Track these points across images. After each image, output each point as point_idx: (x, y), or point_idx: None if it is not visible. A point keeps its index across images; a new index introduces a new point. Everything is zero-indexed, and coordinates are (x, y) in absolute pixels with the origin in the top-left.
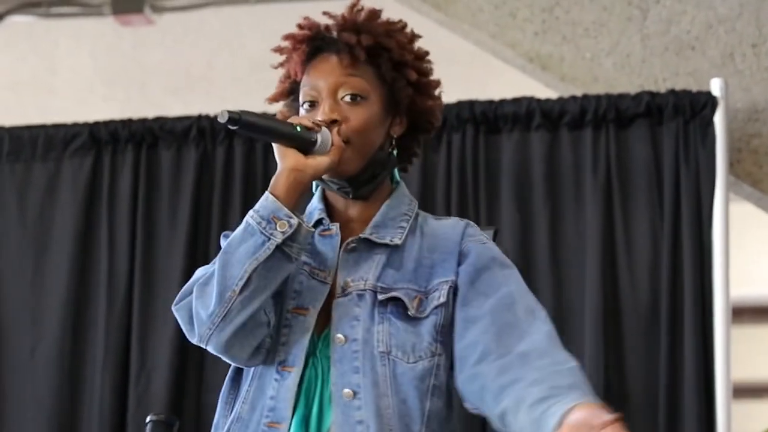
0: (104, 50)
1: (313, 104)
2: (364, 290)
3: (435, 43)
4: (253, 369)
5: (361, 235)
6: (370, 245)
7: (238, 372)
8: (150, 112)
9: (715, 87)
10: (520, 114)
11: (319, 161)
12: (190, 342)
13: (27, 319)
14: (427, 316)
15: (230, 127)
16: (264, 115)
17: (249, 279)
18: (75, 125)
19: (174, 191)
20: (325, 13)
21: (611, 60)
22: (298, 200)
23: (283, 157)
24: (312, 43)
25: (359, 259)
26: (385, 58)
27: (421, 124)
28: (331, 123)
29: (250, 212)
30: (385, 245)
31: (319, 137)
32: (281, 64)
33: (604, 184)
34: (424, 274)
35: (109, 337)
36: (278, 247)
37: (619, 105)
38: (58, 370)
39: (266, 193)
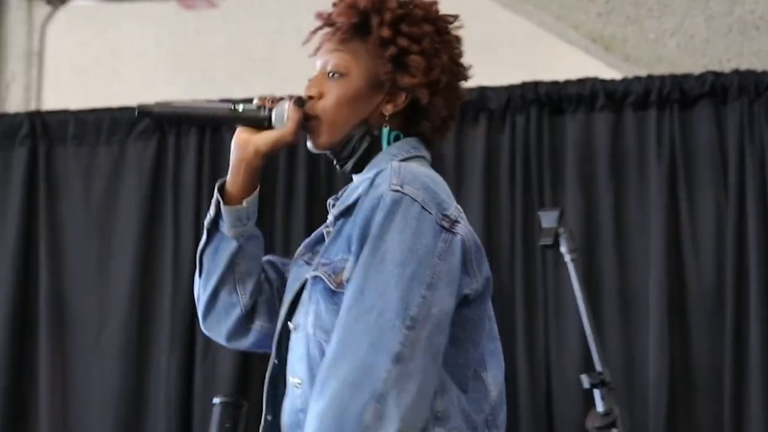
0: (167, 33)
1: None
2: (316, 270)
3: (498, 24)
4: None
5: (333, 213)
6: (335, 221)
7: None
8: (213, 95)
9: None
10: (584, 95)
11: (266, 135)
12: None
13: (93, 303)
14: (342, 292)
15: (146, 116)
16: (194, 104)
17: (201, 263)
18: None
19: None
20: None
21: (675, 40)
22: (247, 176)
23: (235, 136)
24: (325, 24)
25: (332, 237)
26: (375, 36)
27: (419, 104)
28: (310, 98)
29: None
30: (336, 217)
31: (273, 112)
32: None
33: (669, 164)
34: (347, 244)
35: (174, 319)
36: (213, 229)
37: (683, 85)
38: (125, 353)
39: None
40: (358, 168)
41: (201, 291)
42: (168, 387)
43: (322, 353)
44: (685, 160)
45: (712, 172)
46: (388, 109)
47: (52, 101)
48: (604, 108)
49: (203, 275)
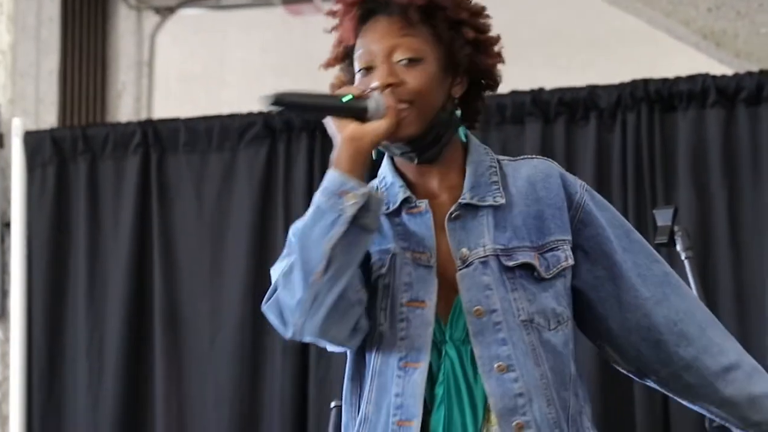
0: (273, 40)
1: (369, 70)
2: (486, 257)
3: (607, 22)
4: (371, 367)
5: (461, 200)
6: (473, 209)
7: (356, 372)
8: None
9: None
10: (695, 91)
11: (376, 126)
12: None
13: (207, 309)
14: (553, 277)
15: (275, 109)
16: (310, 94)
17: (330, 258)
18: (249, 114)
19: None
20: None
21: None
22: (362, 170)
23: (339, 129)
24: (364, 6)
25: (465, 225)
26: (441, 17)
27: (480, 86)
28: (387, 87)
29: (317, 193)
30: (489, 206)
31: (371, 103)
32: (334, 29)
33: None
34: (533, 226)
35: None
36: (353, 221)
37: None
38: (238, 358)
39: (329, 169)
40: (437, 156)
41: (325, 289)
42: (282, 391)
43: (541, 339)
44: None
45: None
46: (457, 92)
47: (162, 110)
48: (715, 104)
49: (331, 271)
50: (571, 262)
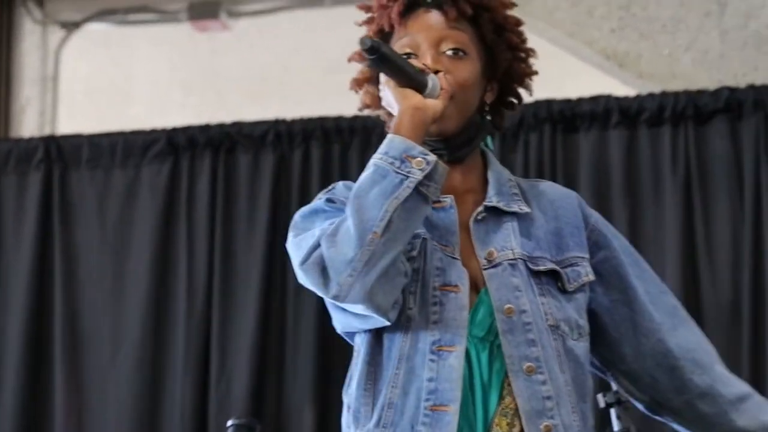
0: (181, 56)
1: (409, 57)
2: (515, 260)
3: None
4: (396, 351)
5: (486, 203)
6: (498, 213)
7: (374, 355)
8: (227, 117)
9: None
10: (598, 112)
11: (435, 103)
12: (270, 347)
13: (108, 326)
14: (575, 291)
15: (367, 56)
16: (394, 51)
17: (390, 220)
18: (153, 131)
19: (252, 195)
20: None
21: (689, 56)
22: (422, 141)
23: (404, 97)
24: None
25: (489, 228)
26: (487, 19)
27: (510, 94)
28: (435, 72)
29: (375, 156)
30: (514, 213)
31: (429, 80)
32: (366, 22)
33: (684, 181)
34: (552, 242)
35: (189, 341)
36: (416, 187)
37: (697, 101)
38: (139, 375)
39: (389, 135)
40: (465, 157)
41: (381, 250)
42: (183, 409)
43: (565, 346)
44: (700, 177)
45: (727, 189)
46: (489, 98)
47: (67, 126)
48: (618, 125)
49: (390, 233)
50: (591, 277)
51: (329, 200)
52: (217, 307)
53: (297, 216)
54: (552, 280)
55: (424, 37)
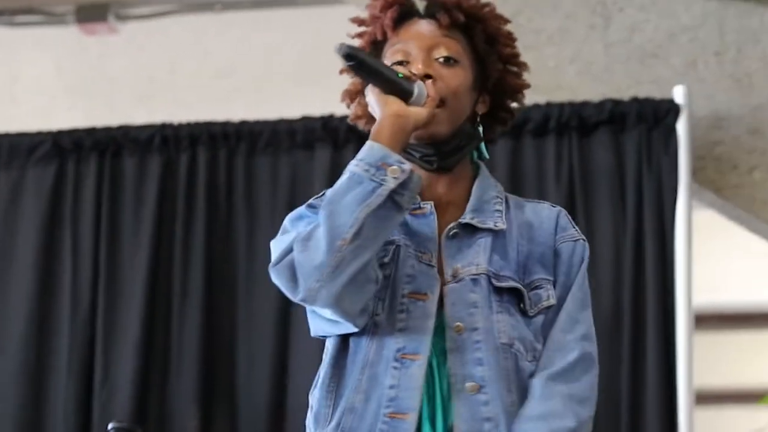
0: (68, 59)
1: (401, 64)
2: (478, 275)
3: None
4: (362, 357)
5: (461, 220)
6: (472, 230)
7: (340, 359)
8: (115, 121)
9: (678, 95)
10: None
11: (419, 111)
12: (154, 351)
13: None
14: (535, 315)
15: (345, 63)
16: (374, 58)
17: (361, 227)
18: (39, 134)
19: (137, 199)
20: None
21: (574, 68)
22: (401, 149)
23: (385, 103)
24: (402, 8)
25: (462, 245)
26: (479, 29)
27: (502, 108)
28: (425, 77)
29: (353, 162)
30: (489, 230)
31: (416, 88)
32: (358, 35)
33: (567, 191)
34: (522, 263)
35: (73, 347)
36: (389, 195)
37: (582, 112)
38: (22, 379)
39: (368, 142)
40: (452, 167)
41: (350, 257)
42: (66, 413)
43: (517, 366)
44: (583, 187)
45: (610, 199)
46: (481, 109)
47: None
48: (503, 134)
49: (359, 240)
50: (552, 301)
51: (310, 206)
52: (102, 311)
53: (286, 219)
54: (514, 299)
55: (416, 45)
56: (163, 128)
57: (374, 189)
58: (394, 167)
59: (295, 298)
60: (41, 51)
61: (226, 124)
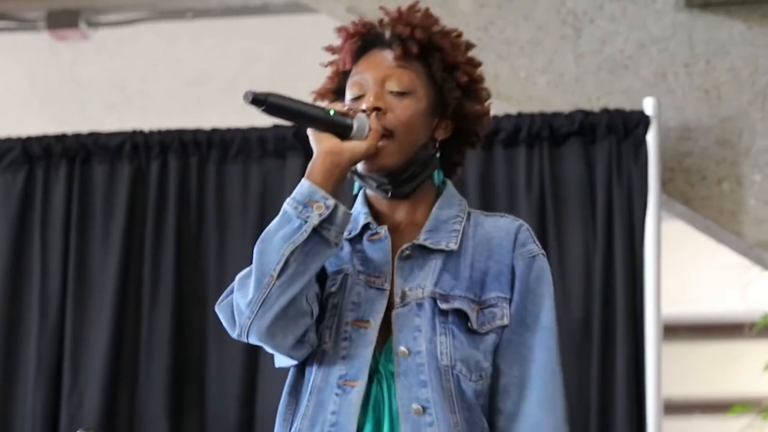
0: (39, 65)
1: (358, 99)
2: (423, 299)
3: None
4: (310, 384)
5: (414, 241)
6: (426, 251)
7: (294, 388)
8: (86, 127)
9: (648, 106)
10: None
11: (355, 145)
12: (123, 359)
13: None
14: (486, 333)
15: (256, 108)
16: (296, 99)
17: (286, 263)
18: (8, 140)
19: (107, 207)
20: (381, 8)
21: (545, 78)
22: (336, 185)
23: (318, 141)
24: (365, 38)
25: (414, 266)
26: (437, 57)
27: (466, 132)
28: (375, 110)
29: (287, 200)
30: (441, 251)
31: (355, 122)
32: (330, 63)
33: (538, 201)
34: (478, 280)
35: (41, 353)
36: (316, 231)
37: (552, 123)
38: None
39: (302, 180)
40: (409, 193)
41: (276, 293)
42: (33, 421)
43: (459, 387)
44: (553, 197)
45: (580, 210)
46: (440, 135)
47: None
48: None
49: (285, 276)
50: (506, 321)
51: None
52: (71, 319)
53: None
54: (459, 319)
55: (370, 76)
56: (134, 135)
57: (300, 226)
58: (319, 203)
59: (233, 335)
60: (12, 57)
61: (197, 132)
